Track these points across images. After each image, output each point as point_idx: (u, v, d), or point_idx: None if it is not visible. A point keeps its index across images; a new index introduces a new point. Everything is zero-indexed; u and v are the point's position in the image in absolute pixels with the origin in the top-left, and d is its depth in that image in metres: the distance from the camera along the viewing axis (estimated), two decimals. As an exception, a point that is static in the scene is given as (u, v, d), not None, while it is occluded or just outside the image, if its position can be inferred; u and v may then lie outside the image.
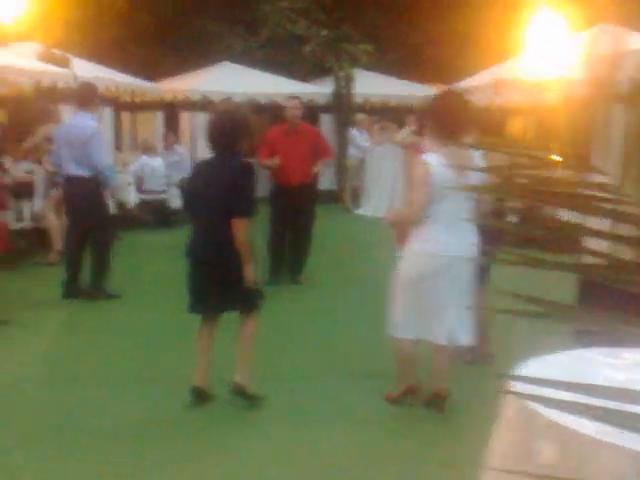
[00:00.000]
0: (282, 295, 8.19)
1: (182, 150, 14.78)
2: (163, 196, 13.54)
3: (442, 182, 4.86)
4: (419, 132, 7.81)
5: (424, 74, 19.97)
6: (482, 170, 5.00)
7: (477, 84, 12.49)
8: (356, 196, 16.45)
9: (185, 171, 14.07)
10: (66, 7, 16.57)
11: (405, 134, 7.76)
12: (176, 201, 13.70)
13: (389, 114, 17.08)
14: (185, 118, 16.78)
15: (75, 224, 8.35)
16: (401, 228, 5.62)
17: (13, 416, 5.15)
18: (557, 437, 1.88)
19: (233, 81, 16.33)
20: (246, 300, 5.24)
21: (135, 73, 15.42)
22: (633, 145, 1.48)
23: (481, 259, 5.05)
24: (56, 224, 9.92)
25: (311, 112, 13.01)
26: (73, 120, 8.39)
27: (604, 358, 2.49)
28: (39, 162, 10.41)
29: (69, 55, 12.40)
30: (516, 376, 2.10)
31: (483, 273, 5.51)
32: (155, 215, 13.52)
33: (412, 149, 7.23)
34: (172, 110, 16.71)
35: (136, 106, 15.67)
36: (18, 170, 9.44)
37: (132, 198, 12.94)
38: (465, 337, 5.18)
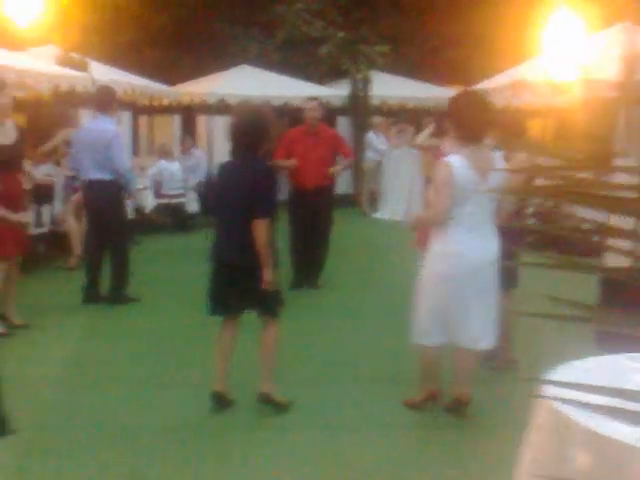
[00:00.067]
0: (301, 299, 8.17)
1: (199, 154, 14.80)
2: (181, 200, 13.56)
3: (465, 184, 4.83)
4: (438, 134, 7.78)
5: (441, 76, 19.94)
6: (505, 171, 4.98)
7: (494, 86, 12.42)
8: (373, 199, 16.40)
9: (202, 175, 14.12)
10: (83, 10, 16.65)
11: (424, 137, 7.70)
12: (193, 205, 13.74)
13: (406, 116, 17.04)
14: (202, 121, 16.81)
15: (95, 229, 8.36)
16: (422, 231, 5.59)
17: (33, 418, 5.14)
18: (592, 444, 1.85)
19: (250, 84, 16.33)
20: (266, 303, 5.22)
21: (151, 76, 15.46)
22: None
23: (504, 261, 4.99)
24: (76, 228, 9.94)
25: (327, 115, 12.99)
26: (93, 124, 8.40)
27: (633, 363, 2.46)
28: (58, 164, 10.44)
29: (87, 59, 12.45)
30: (550, 380, 2.07)
31: (507, 276, 5.46)
32: (173, 219, 13.56)
33: (432, 152, 7.19)
34: (189, 113, 16.74)
35: (153, 110, 15.71)
36: (38, 173, 9.46)
37: (150, 202, 12.97)
38: (488, 341, 5.14)
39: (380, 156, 16.26)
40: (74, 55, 12.44)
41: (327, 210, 9.17)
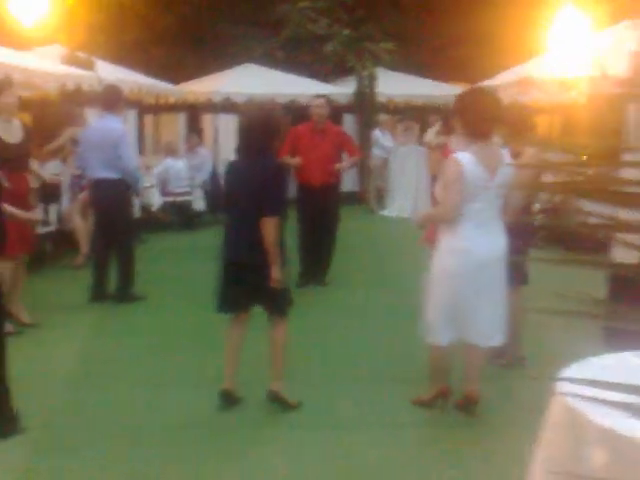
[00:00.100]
0: (308, 297, 8.16)
1: (204, 152, 14.80)
2: (187, 198, 13.56)
3: (474, 180, 4.82)
4: (445, 131, 7.78)
5: (447, 73, 19.90)
6: (514, 167, 4.96)
7: (500, 83, 12.40)
8: (380, 197, 16.38)
9: (207, 173, 14.12)
10: (88, 10, 16.68)
11: (432, 135, 7.71)
12: (199, 203, 13.74)
13: (412, 114, 17.02)
14: (207, 120, 16.80)
15: (102, 227, 8.37)
16: (430, 229, 5.57)
17: (40, 417, 5.14)
18: (607, 441, 1.84)
19: (255, 82, 16.33)
20: (275, 301, 5.21)
21: (157, 75, 15.47)
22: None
23: (513, 258, 4.97)
24: (82, 227, 9.95)
25: (333, 112, 12.99)
26: (100, 123, 8.38)
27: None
28: (64, 161, 10.45)
29: (93, 57, 12.46)
30: (566, 377, 2.06)
31: (515, 273, 5.44)
32: (179, 217, 13.56)
33: (440, 149, 7.19)
34: (194, 112, 16.74)
35: (159, 108, 15.72)
36: (45, 171, 9.47)
37: (156, 200, 12.97)
38: (497, 338, 5.12)
39: (386, 153, 16.23)
40: (80, 54, 12.45)
41: (334, 207, 9.16)
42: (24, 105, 8.64)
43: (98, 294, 8.19)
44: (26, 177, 7.27)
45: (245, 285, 5.15)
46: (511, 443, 4.74)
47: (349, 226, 10.49)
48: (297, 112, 14.18)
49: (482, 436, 4.96)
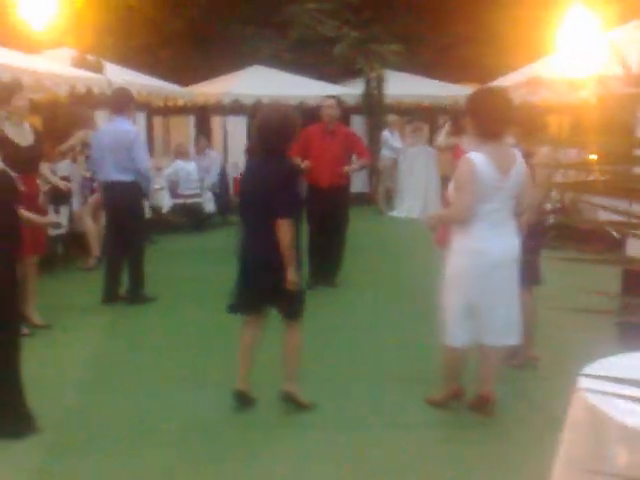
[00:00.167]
0: (318, 298, 8.13)
1: (214, 154, 14.82)
2: (197, 200, 13.58)
3: (486, 181, 4.81)
4: (455, 132, 7.76)
5: (455, 74, 19.87)
6: (528, 167, 4.96)
7: (509, 83, 12.38)
8: (389, 198, 16.37)
9: (216, 175, 14.14)
10: (96, 13, 16.72)
11: (443, 137, 7.69)
12: (209, 205, 13.76)
13: (421, 114, 17.01)
14: (217, 122, 16.83)
15: (114, 229, 8.38)
16: (443, 230, 5.56)
17: (54, 418, 5.15)
18: (629, 440, 1.84)
19: (264, 84, 16.35)
20: (289, 303, 5.19)
21: (165, 77, 15.50)
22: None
23: (526, 258, 4.97)
24: (93, 229, 9.97)
25: (342, 113, 13.00)
26: (111, 126, 8.35)
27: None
28: (74, 161, 10.46)
29: (102, 60, 12.50)
30: (589, 375, 2.06)
31: (529, 273, 5.43)
32: (189, 219, 13.58)
33: (451, 150, 7.17)
34: (203, 114, 16.77)
35: (168, 110, 15.75)
36: (57, 171, 9.49)
37: (166, 202, 12.99)
38: (512, 338, 5.11)
39: (395, 154, 16.22)
40: (89, 57, 12.49)
41: (343, 208, 9.16)
42: (34, 108, 8.66)
43: (110, 296, 8.20)
44: (36, 180, 7.29)
45: (260, 287, 5.14)
46: (524, 443, 4.75)
47: (358, 227, 10.49)
48: (306, 114, 14.19)
49: (495, 436, 4.95)
